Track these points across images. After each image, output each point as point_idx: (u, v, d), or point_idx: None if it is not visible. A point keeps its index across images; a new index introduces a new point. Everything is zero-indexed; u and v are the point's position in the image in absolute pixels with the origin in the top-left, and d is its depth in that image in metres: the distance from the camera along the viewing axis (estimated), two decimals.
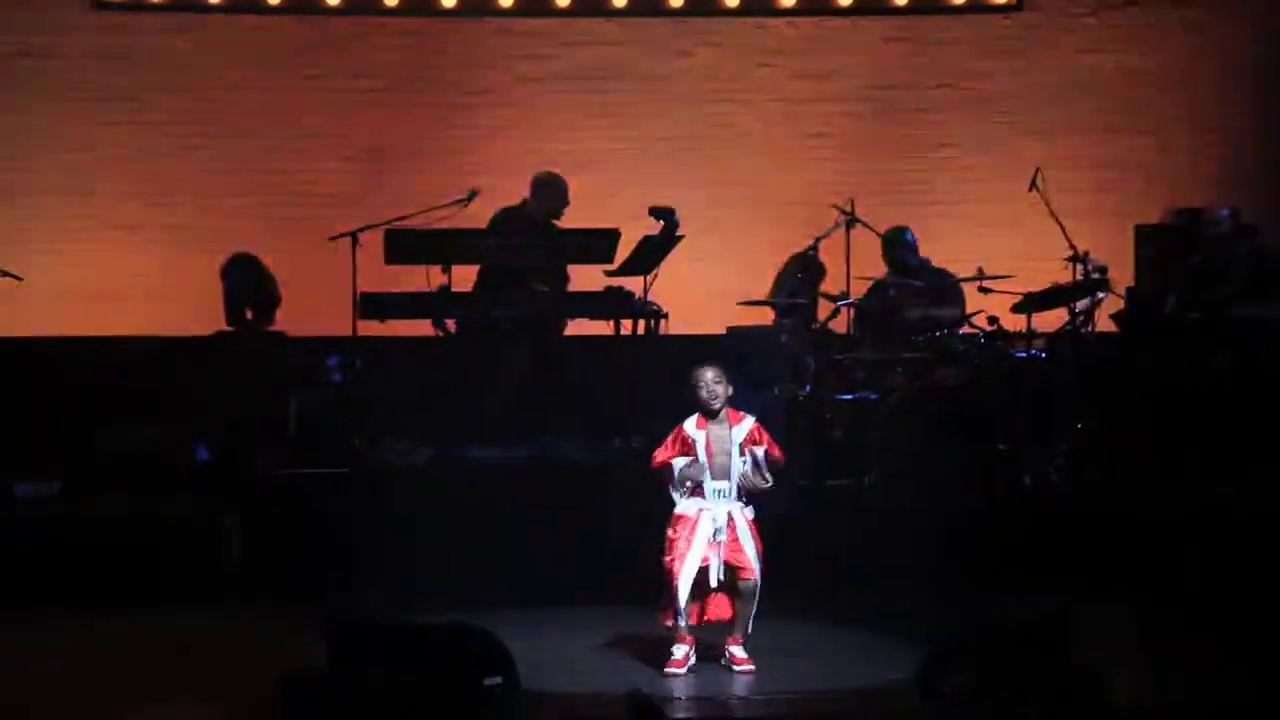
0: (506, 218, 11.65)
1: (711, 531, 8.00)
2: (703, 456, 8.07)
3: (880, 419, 10.96)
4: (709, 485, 8.07)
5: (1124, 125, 13.95)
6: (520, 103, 13.76)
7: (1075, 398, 11.06)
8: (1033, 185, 11.32)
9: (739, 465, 8.09)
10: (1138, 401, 11.01)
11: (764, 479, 8.11)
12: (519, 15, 13.84)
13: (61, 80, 13.46)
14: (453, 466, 10.67)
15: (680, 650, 8.07)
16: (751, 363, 11.60)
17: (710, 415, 8.13)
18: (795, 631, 8.93)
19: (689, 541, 8.01)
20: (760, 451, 8.11)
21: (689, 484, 8.08)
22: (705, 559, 7.99)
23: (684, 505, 8.09)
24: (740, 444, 8.10)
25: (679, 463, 8.10)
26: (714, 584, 8.02)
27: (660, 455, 8.16)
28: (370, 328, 11.08)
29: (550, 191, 11.79)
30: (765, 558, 8.08)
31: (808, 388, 11.27)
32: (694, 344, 11.86)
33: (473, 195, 11.30)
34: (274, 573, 9.81)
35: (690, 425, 8.14)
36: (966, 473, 10.64)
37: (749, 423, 8.16)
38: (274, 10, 13.75)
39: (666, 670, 8.01)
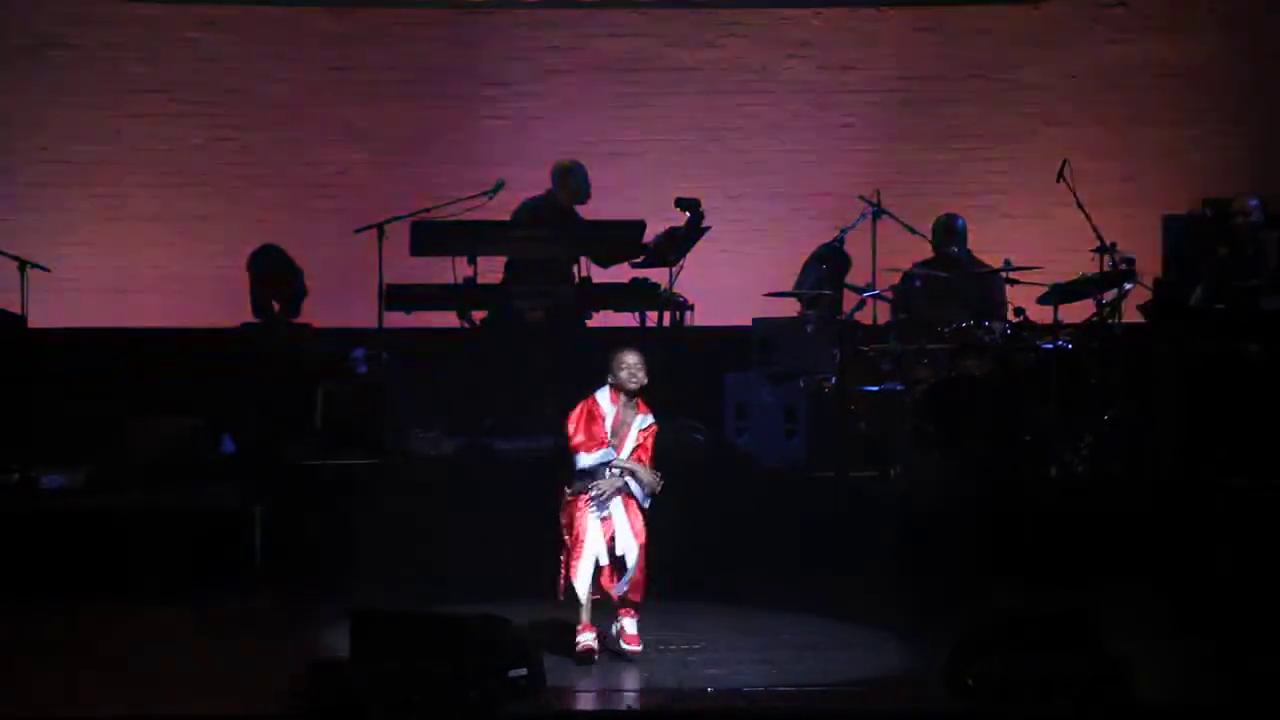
0: (532, 209, 11.66)
1: (599, 510, 7.97)
2: (609, 427, 8.03)
3: (906, 411, 10.94)
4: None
5: (1152, 116, 13.89)
6: (546, 94, 13.75)
7: (1102, 389, 11.03)
8: (1060, 176, 11.27)
9: (629, 450, 8.04)
10: (1164, 392, 10.97)
11: (641, 487, 8.03)
12: (545, 7, 13.83)
13: (90, 72, 13.49)
14: (478, 457, 10.69)
15: (586, 638, 8.00)
16: (777, 354, 11.60)
17: (626, 394, 8.08)
18: (818, 623, 8.94)
19: (583, 523, 7.96)
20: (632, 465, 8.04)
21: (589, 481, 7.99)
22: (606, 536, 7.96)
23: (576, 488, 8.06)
24: (637, 432, 8.06)
25: (588, 459, 7.99)
26: (603, 561, 7.97)
27: (575, 434, 8.04)
28: (396, 319, 11.11)
29: (572, 178, 11.81)
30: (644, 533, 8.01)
31: (833, 379, 11.26)
32: (720, 335, 11.90)
33: (499, 187, 11.31)
34: (299, 564, 9.84)
35: (604, 398, 8.09)
36: (992, 464, 10.61)
37: (648, 420, 8.12)
38: (301, 2, 13.75)
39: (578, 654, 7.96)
